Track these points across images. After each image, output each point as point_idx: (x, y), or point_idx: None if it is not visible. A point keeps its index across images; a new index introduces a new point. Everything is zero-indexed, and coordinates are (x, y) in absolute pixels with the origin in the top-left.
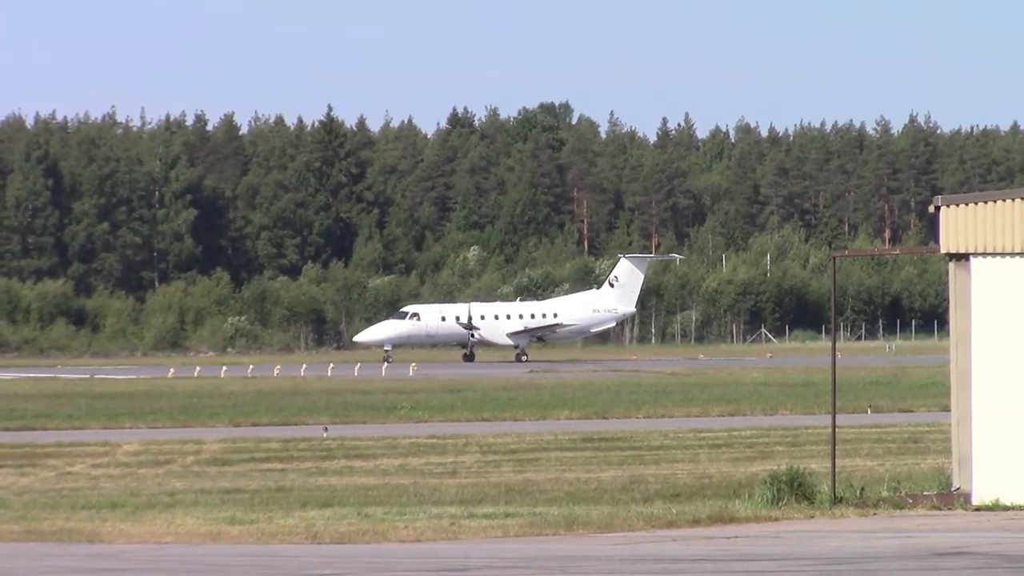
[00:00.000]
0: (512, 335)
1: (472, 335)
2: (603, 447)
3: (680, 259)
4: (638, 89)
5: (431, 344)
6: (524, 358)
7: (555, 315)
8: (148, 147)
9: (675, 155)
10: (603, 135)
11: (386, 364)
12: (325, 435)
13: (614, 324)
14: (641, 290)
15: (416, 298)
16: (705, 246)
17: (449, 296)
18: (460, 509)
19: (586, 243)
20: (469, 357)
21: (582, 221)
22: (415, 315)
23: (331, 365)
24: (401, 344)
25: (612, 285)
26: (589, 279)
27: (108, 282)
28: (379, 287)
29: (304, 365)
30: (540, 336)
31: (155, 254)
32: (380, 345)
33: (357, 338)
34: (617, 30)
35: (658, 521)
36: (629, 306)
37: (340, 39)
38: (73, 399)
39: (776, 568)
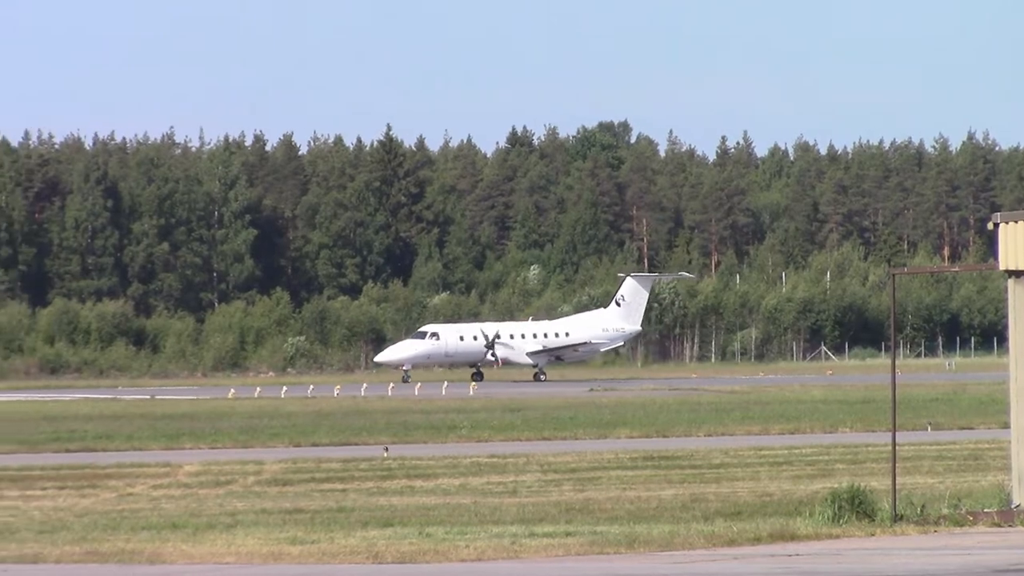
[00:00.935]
0: (532, 354)
1: (493, 354)
2: (663, 465)
3: (689, 277)
4: (697, 107)
5: (450, 364)
6: (543, 377)
7: (567, 334)
8: (207, 167)
9: (734, 173)
10: (662, 153)
11: (403, 383)
12: (385, 455)
13: (622, 343)
14: (646, 308)
15: (476, 317)
16: (765, 264)
17: (509, 315)
18: (521, 528)
19: (646, 261)
20: (478, 375)
21: (642, 239)
22: (434, 335)
23: (391, 385)
24: (421, 364)
25: (619, 304)
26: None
27: (168, 302)
28: (438, 306)
29: (364, 385)
30: (558, 356)
31: (215, 275)
32: (400, 365)
33: (378, 358)
34: (676, 49)
35: (719, 539)
36: (635, 325)
37: (399, 59)
38: (133, 420)
39: None
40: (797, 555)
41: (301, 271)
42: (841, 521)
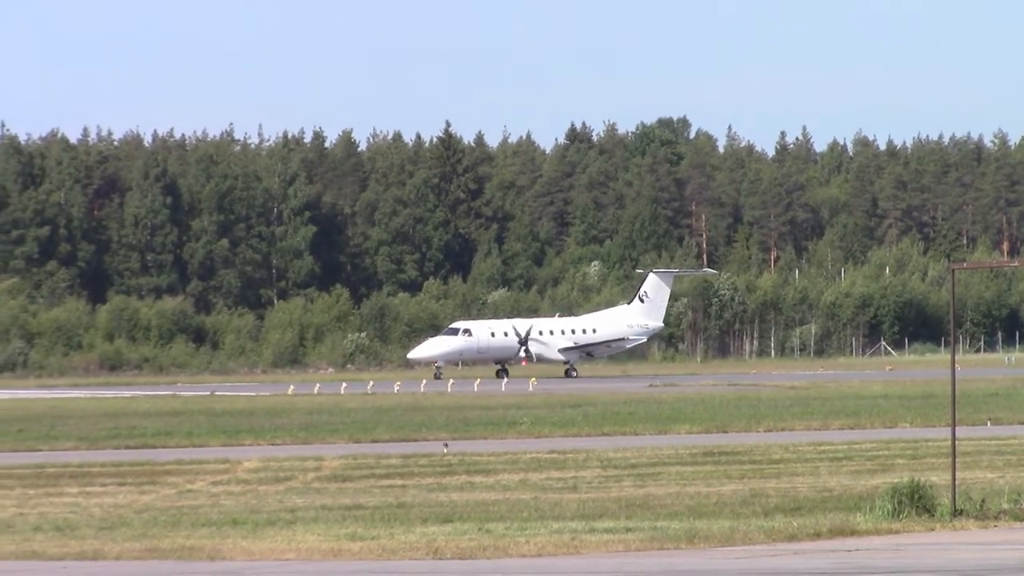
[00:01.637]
0: (563, 351)
1: (526, 350)
2: (723, 461)
3: (712, 273)
4: (756, 103)
5: (482, 360)
6: (574, 373)
7: (594, 330)
8: (266, 164)
9: (793, 169)
10: (721, 149)
11: (435, 379)
12: (445, 451)
13: (645, 339)
14: (668, 305)
15: (535, 313)
16: (824, 260)
17: (568, 311)
18: (581, 524)
19: (705, 257)
20: (503, 372)
21: (701, 235)
22: (467, 331)
23: (451, 381)
24: (453, 360)
25: (642, 300)
26: (708, 293)
27: (227, 299)
28: (498, 302)
29: (424, 381)
30: (589, 352)
31: (274, 271)
32: (433, 361)
33: (411, 355)
34: (734, 45)
35: (779, 535)
36: (658, 321)
37: (458, 55)
38: (193, 416)
39: None
40: (857, 550)
41: (360, 267)
42: (901, 516)
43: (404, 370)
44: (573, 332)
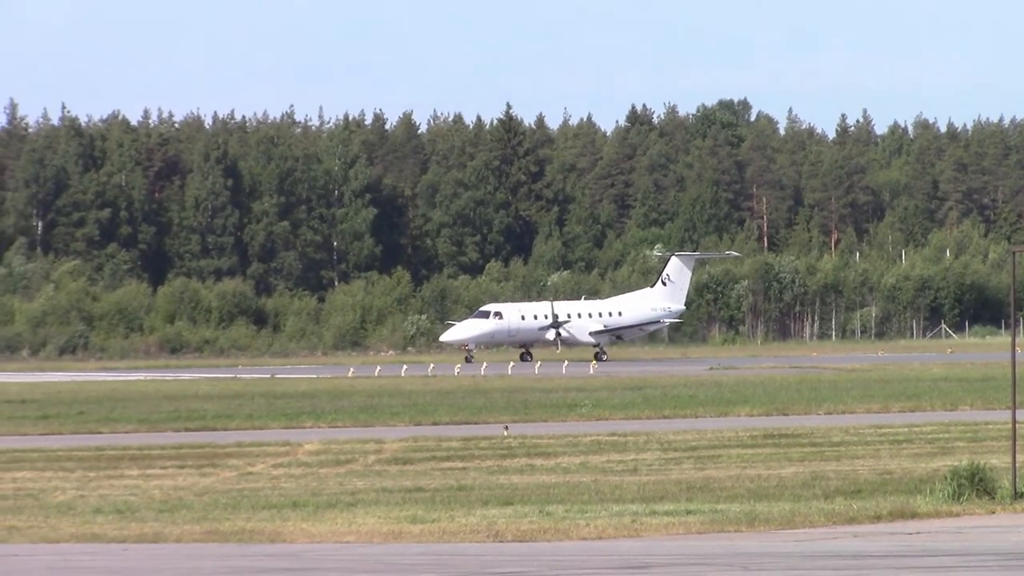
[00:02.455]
0: (593, 334)
1: (557, 334)
2: (783, 444)
3: (736, 256)
4: (816, 86)
5: (512, 343)
6: (604, 357)
7: (619, 313)
8: (327, 146)
9: (854, 151)
10: (782, 132)
11: (466, 363)
12: (506, 433)
13: (668, 323)
14: (689, 288)
15: (597, 295)
16: (884, 242)
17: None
18: (641, 506)
19: (766, 240)
20: (527, 356)
21: (761, 218)
22: (497, 314)
23: (511, 364)
24: (484, 343)
25: (664, 284)
26: (769, 276)
27: (288, 281)
28: (558, 284)
29: (484, 364)
30: (619, 335)
31: (335, 253)
32: (464, 344)
33: (443, 338)
34: (795, 26)
35: (839, 517)
36: (680, 304)
37: (518, 37)
38: (253, 399)
39: (958, 563)
40: (917, 533)
41: (421, 250)
42: (961, 499)
43: (436, 353)
44: (600, 315)
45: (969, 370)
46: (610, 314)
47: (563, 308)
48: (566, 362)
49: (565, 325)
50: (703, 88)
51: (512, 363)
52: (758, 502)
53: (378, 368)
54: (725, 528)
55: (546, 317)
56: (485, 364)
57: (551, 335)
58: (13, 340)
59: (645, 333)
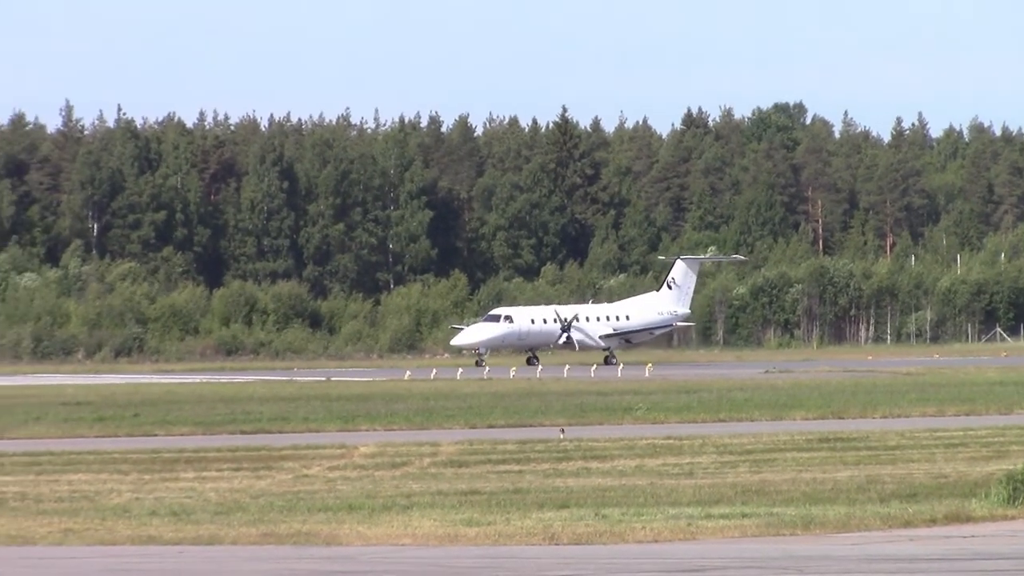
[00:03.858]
0: (604, 337)
1: (568, 337)
2: (839, 447)
3: (741, 259)
4: (872, 89)
5: (523, 347)
6: (613, 360)
7: (627, 317)
8: (383, 148)
9: (909, 155)
10: (837, 135)
11: (476, 367)
12: (562, 436)
13: (673, 326)
14: (694, 291)
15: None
16: (939, 246)
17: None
18: (697, 510)
19: (821, 243)
20: (534, 360)
21: (817, 221)
22: (508, 318)
23: (566, 367)
24: (495, 347)
25: (670, 287)
26: (824, 280)
27: (343, 284)
28: (614, 287)
29: (540, 367)
30: (628, 339)
31: (390, 256)
32: (476, 349)
33: (454, 342)
34: (851, 30)
35: (895, 521)
36: (685, 307)
37: (574, 40)
38: (309, 402)
39: (1014, 567)
40: (973, 537)
41: (477, 252)
42: (1017, 503)
43: (450, 357)
44: (608, 319)
45: None
46: (618, 318)
47: (572, 312)
48: (567, 366)
49: (577, 327)
50: (759, 91)
51: (513, 368)
52: (813, 506)
53: (434, 371)
54: (780, 532)
55: (555, 321)
56: (488, 368)
57: (561, 339)
58: (69, 342)
59: (653, 337)
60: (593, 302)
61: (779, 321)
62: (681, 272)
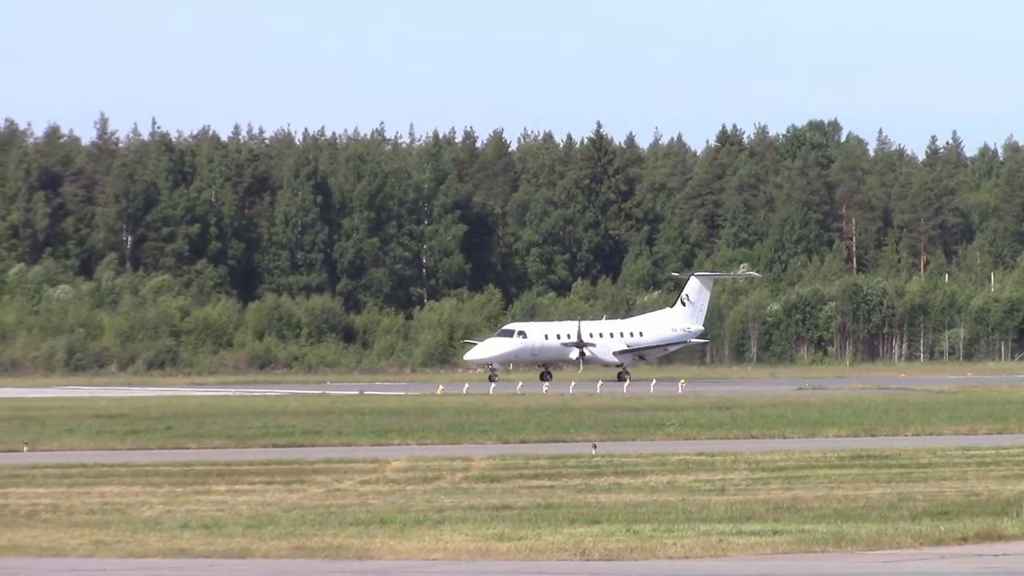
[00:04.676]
0: (617, 353)
1: (582, 353)
2: (871, 465)
3: (755, 276)
4: (906, 107)
5: (536, 362)
6: (627, 377)
7: (640, 333)
8: (417, 163)
9: (943, 173)
10: (871, 153)
11: (489, 381)
12: (593, 452)
13: (687, 342)
14: (708, 308)
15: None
16: (973, 264)
17: (717, 312)
18: (728, 526)
19: (855, 261)
20: (547, 375)
21: (851, 239)
22: (521, 333)
23: (599, 383)
24: (508, 362)
25: (684, 303)
26: (857, 297)
27: (377, 298)
28: (647, 304)
29: (572, 383)
30: (641, 355)
31: (424, 270)
32: (488, 364)
33: (468, 356)
34: (885, 48)
35: (926, 539)
36: (699, 324)
37: (609, 57)
38: (342, 416)
39: None
40: (1004, 555)
41: (510, 268)
42: None
43: (460, 372)
44: (622, 335)
45: None
46: (631, 334)
47: (586, 328)
48: (572, 383)
49: (589, 347)
50: (793, 108)
51: (520, 383)
52: (845, 523)
53: (466, 386)
54: (812, 548)
55: (569, 336)
56: (494, 385)
57: (574, 355)
58: (102, 355)
59: (667, 353)
60: (607, 318)
61: (812, 338)
62: (695, 289)
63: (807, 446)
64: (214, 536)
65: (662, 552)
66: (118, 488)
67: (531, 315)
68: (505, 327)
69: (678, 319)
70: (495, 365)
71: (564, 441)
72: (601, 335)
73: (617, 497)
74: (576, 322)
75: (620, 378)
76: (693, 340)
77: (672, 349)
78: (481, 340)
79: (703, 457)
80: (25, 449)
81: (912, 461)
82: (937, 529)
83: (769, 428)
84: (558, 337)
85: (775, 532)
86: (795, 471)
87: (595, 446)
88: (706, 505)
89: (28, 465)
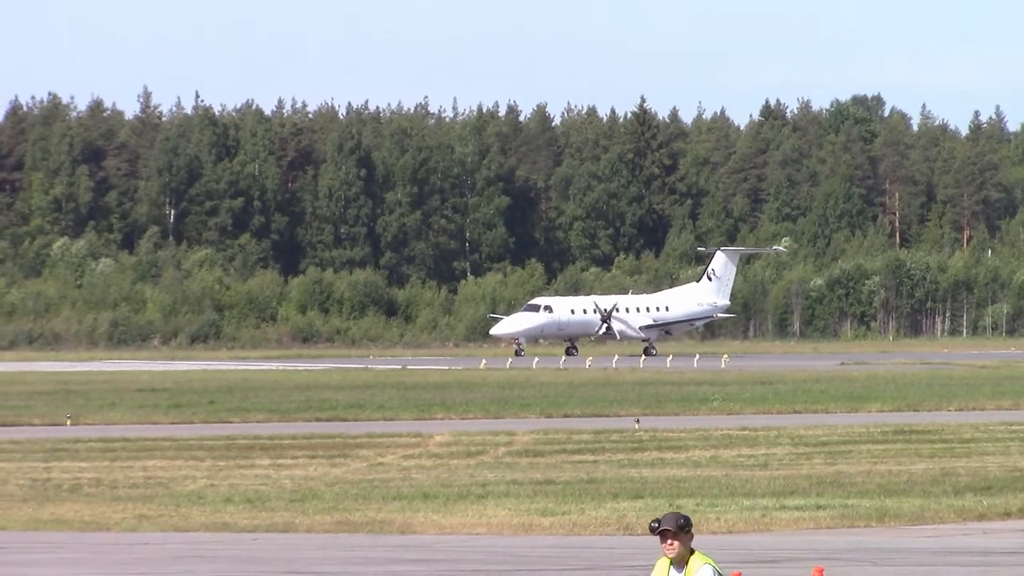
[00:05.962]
0: (644, 328)
1: (608, 328)
2: (914, 440)
3: (782, 251)
4: (949, 82)
5: (562, 337)
6: (653, 351)
7: (667, 308)
8: (460, 136)
9: (987, 148)
10: (915, 128)
11: (516, 356)
12: (637, 427)
13: (712, 317)
14: (734, 283)
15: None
16: (1016, 239)
17: (761, 287)
18: (771, 501)
19: (898, 236)
20: (573, 350)
21: (894, 214)
22: (547, 307)
23: (642, 358)
24: (534, 337)
25: (710, 278)
26: (900, 272)
27: (420, 272)
28: (690, 278)
29: (616, 356)
30: (668, 330)
31: (467, 244)
32: (515, 338)
33: (493, 331)
34: (929, 22)
35: (969, 514)
36: (725, 299)
37: (652, 31)
38: (384, 390)
39: None
40: None
41: (554, 242)
42: None
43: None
44: (648, 310)
45: None
46: (658, 309)
47: (612, 303)
48: (616, 356)
49: (617, 318)
50: (837, 83)
51: (537, 359)
52: (888, 498)
53: (510, 360)
54: (855, 524)
55: (595, 311)
56: (511, 360)
57: (601, 329)
58: (145, 328)
59: (693, 328)
60: (633, 293)
61: (855, 313)
62: (721, 263)
63: (850, 421)
64: (257, 510)
65: (705, 527)
66: (161, 462)
67: (575, 289)
68: (531, 302)
69: (704, 294)
70: (521, 340)
71: (607, 415)
72: (628, 310)
73: (660, 472)
74: (603, 297)
75: (647, 352)
76: (719, 315)
77: (700, 323)
78: (500, 315)
79: (746, 432)
80: (68, 423)
81: (955, 436)
82: (980, 504)
83: (812, 403)
84: (584, 312)
85: (818, 507)
86: (838, 446)
87: (638, 420)
88: (749, 480)
89: (71, 439)
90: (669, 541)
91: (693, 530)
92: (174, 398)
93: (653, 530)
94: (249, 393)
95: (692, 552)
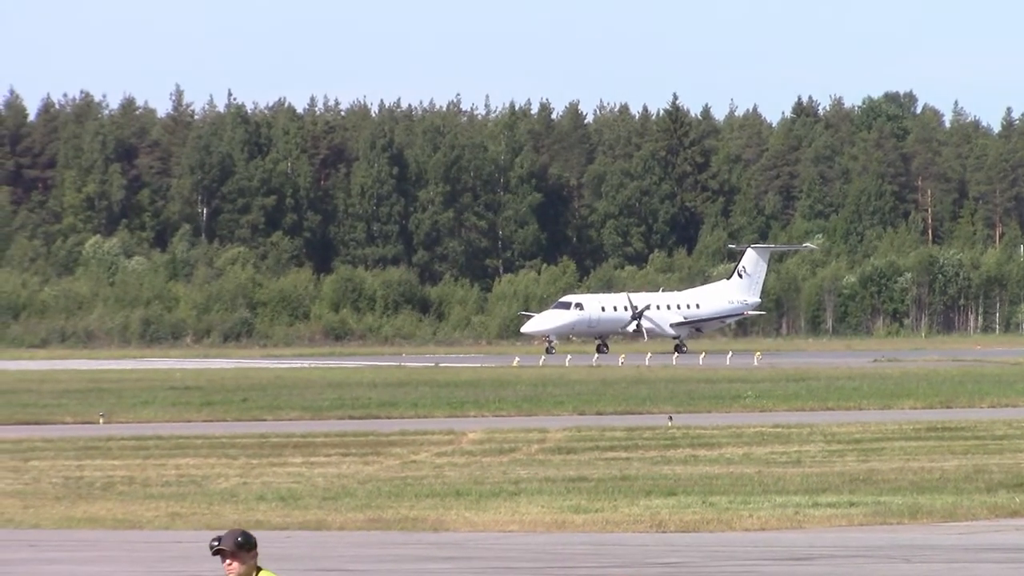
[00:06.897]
0: (674, 326)
1: (638, 325)
2: (947, 436)
3: (813, 248)
4: (982, 79)
5: (593, 334)
6: (684, 349)
7: (697, 305)
8: (493, 134)
9: (1019, 144)
10: (947, 124)
11: (547, 354)
12: (670, 424)
13: (742, 315)
14: (765, 280)
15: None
16: None
17: (793, 284)
18: (804, 498)
19: (930, 233)
20: (603, 347)
21: (926, 210)
22: (578, 305)
23: (675, 355)
24: (565, 334)
25: (740, 276)
26: (933, 269)
27: (453, 269)
28: (722, 276)
29: (648, 354)
30: (698, 327)
31: (499, 242)
32: (546, 336)
33: (524, 329)
34: (961, 19)
35: (1002, 511)
36: (755, 296)
37: (684, 29)
38: (417, 387)
39: None
40: None
41: (586, 239)
42: None
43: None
44: (679, 307)
45: None
46: (688, 306)
47: (643, 300)
48: (649, 354)
49: (647, 315)
50: (869, 80)
51: (569, 356)
52: (921, 495)
53: (543, 357)
54: (888, 520)
55: (626, 309)
56: (543, 357)
57: (632, 327)
58: (177, 326)
59: (724, 325)
60: (664, 291)
61: (888, 310)
62: (752, 261)
63: (883, 418)
64: (290, 508)
65: (738, 524)
66: (194, 460)
67: (607, 287)
68: (562, 299)
69: (735, 291)
70: (552, 337)
71: (640, 413)
72: (659, 307)
73: (693, 469)
74: (635, 294)
75: (677, 350)
76: (749, 312)
77: (731, 321)
78: (531, 312)
79: (779, 429)
80: (101, 421)
81: (988, 433)
82: (1013, 501)
83: (845, 400)
84: (615, 309)
85: (851, 504)
86: (871, 443)
87: (671, 418)
88: (782, 477)
89: (104, 437)
90: (228, 562)
91: (257, 548)
92: (207, 396)
93: (212, 549)
94: (282, 391)
95: (259, 571)
